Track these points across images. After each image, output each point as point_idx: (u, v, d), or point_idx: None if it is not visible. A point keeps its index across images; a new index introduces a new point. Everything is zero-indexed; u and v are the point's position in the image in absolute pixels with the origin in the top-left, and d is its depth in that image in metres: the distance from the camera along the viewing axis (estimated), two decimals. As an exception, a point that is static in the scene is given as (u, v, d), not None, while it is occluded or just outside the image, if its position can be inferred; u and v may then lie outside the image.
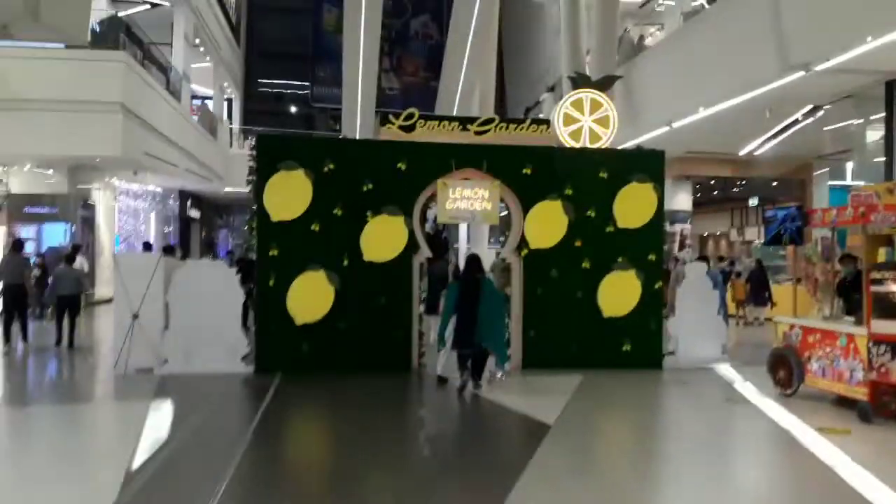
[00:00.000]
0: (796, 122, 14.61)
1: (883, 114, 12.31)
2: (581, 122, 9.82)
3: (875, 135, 13.38)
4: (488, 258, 20.11)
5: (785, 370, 7.65)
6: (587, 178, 9.38)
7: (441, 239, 13.35)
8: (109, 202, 19.72)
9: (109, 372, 8.60)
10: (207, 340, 8.51)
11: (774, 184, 22.08)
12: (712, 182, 23.07)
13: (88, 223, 18.18)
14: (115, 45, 15.26)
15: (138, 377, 8.31)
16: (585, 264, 9.30)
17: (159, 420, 6.51)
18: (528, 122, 9.55)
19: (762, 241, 22.63)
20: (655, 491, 5.02)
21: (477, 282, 7.83)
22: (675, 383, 8.50)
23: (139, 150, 15.87)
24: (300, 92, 38.20)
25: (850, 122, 13.71)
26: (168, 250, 11.82)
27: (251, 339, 8.91)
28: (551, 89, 26.39)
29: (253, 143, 9.22)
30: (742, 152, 18.09)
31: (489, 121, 9.41)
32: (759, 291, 15.04)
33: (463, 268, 8.56)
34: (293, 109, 38.55)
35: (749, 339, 12.94)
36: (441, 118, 9.46)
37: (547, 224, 9.28)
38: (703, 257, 14.22)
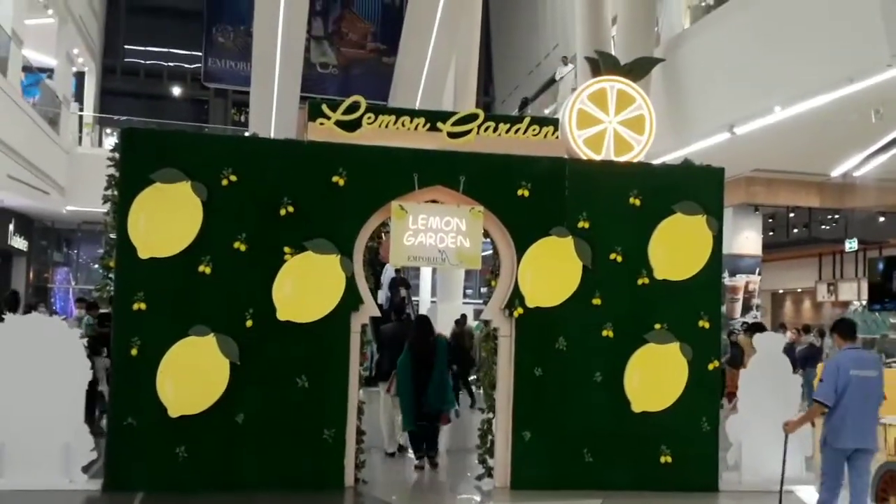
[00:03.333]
0: (913, 130, 15.02)
1: None
2: (604, 123, 9.94)
3: None
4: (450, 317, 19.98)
5: (899, 496, 7.71)
6: (611, 205, 9.50)
7: (404, 308, 13.81)
8: None
9: None
10: (32, 440, 8.31)
11: (882, 219, 22.60)
12: (792, 215, 23.50)
13: None
14: None
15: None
16: (607, 332, 9.36)
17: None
18: (525, 121, 9.64)
19: (864, 302, 23.08)
20: None
21: (432, 346, 10.37)
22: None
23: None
24: (188, 66, 38.26)
25: None
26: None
27: (100, 440, 8.71)
28: (553, 80, 26.82)
29: (115, 140, 9.16)
30: (835, 173, 18.50)
31: (469, 118, 9.48)
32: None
33: (414, 334, 10.58)
34: (177, 91, 38.51)
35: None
36: (399, 112, 9.51)
37: (551, 271, 9.34)
38: (756, 325, 14.18)
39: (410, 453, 10.59)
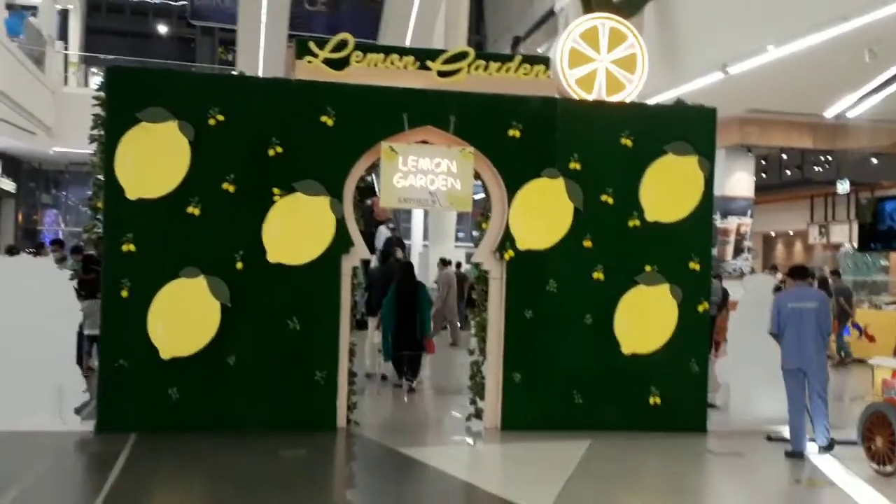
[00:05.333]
0: (908, 70, 14.95)
1: None
2: (595, 62, 9.86)
3: None
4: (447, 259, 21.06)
5: (884, 437, 7.81)
6: (603, 146, 9.46)
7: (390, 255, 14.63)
8: None
9: None
10: (23, 382, 8.35)
11: (874, 161, 22.59)
12: (784, 156, 23.48)
13: None
14: None
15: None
16: (598, 275, 9.39)
17: (-55, 503, 6.33)
18: (517, 60, 9.56)
19: (855, 244, 23.18)
20: None
21: (414, 288, 11.88)
22: (725, 455, 8.63)
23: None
24: (174, 3, 37.78)
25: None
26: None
27: (92, 382, 8.74)
28: (551, 13, 26.55)
29: (101, 79, 9.07)
30: (829, 113, 18.45)
31: (460, 56, 9.40)
32: None
33: (400, 277, 12.06)
34: (163, 30, 38.07)
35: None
36: (388, 50, 9.41)
37: (542, 214, 9.34)
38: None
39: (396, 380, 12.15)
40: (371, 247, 13.54)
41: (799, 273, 9.22)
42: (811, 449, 8.53)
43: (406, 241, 26.20)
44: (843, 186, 23.61)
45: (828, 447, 8.50)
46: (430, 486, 7.58)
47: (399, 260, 14.16)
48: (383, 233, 16.34)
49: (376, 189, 12.47)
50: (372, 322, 12.80)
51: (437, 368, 14.72)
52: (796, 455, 8.48)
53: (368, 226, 11.51)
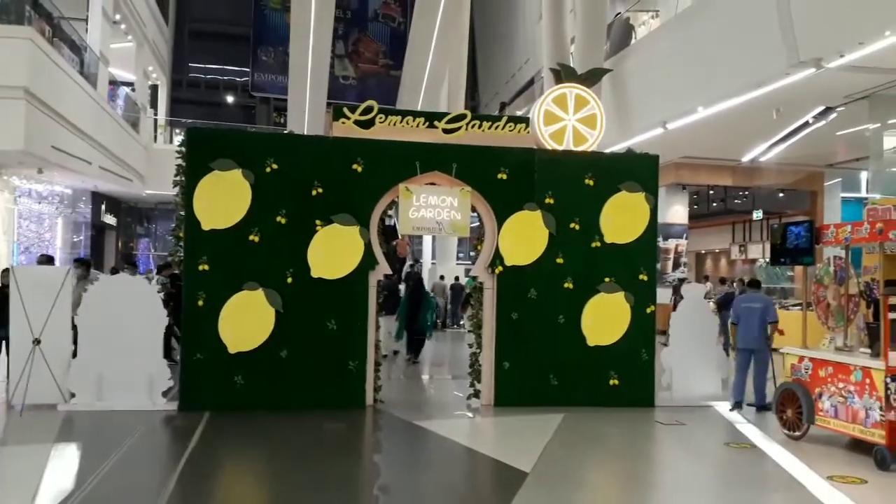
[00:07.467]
0: (806, 125, 14.95)
1: (901, 118, 12.65)
2: (565, 121, 9.88)
3: (893, 141, 13.79)
4: (445, 275, 21.93)
5: (793, 409, 7.76)
6: (571, 185, 9.47)
7: (412, 274, 16.03)
8: (8, 204, 19.21)
9: (1, 408, 8.33)
10: (123, 372, 8.38)
11: (781, 195, 22.57)
12: (711, 192, 23.50)
13: (-19, 229, 17.64)
14: (19, 18, 14.93)
15: (38, 414, 8.07)
16: (568, 284, 9.36)
17: (61, 468, 6.30)
18: (504, 119, 9.60)
19: (767, 259, 23.08)
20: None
21: (420, 294, 13.73)
22: (670, 424, 8.57)
23: (45, 144, 15.52)
24: (238, 79, 37.97)
25: (865, 126, 14.08)
26: (83, 263, 11.51)
27: (175, 371, 8.74)
28: (530, 83, 26.65)
29: (182, 137, 9.09)
30: (745, 158, 18.46)
31: (459, 117, 9.42)
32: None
33: (412, 285, 13.95)
34: (230, 99, 38.28)
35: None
36: (404, 113, 9.43)
37: (524, 238, 9.33)
38: None
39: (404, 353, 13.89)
40: (400, 274, 15.42)
41: (753, 284, 10.25)
42: (750, 408, 9.30)
43: (419, 260, 26.27)
44: (757, 215, 23.58)
45: (763, 407, 9.22)
46: (438, 450, 7.53)
47: (411, 276, 14.68)
48: (406, 268, 17.71)
49: (397, 231, 13.54)
50: (385, 318, 13.23)
51: (444, 360, 14.67)
52: (736, 405, 9.31)
53: (393, 262, 11.66)
